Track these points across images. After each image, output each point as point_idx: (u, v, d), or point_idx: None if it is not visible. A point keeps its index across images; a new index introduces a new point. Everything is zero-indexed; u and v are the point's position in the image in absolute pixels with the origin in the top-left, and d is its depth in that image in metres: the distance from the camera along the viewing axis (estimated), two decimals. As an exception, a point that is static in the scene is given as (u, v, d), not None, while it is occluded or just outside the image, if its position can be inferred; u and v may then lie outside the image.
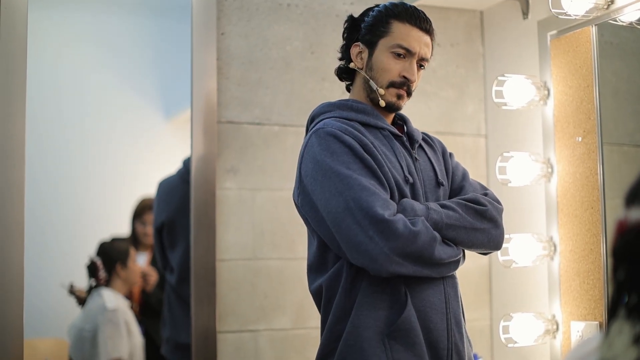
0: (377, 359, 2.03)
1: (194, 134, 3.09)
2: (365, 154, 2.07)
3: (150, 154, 5.34)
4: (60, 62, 5.71)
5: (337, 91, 3.32)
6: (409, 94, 2.23)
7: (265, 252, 3.16)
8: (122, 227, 5.07)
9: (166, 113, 5.84)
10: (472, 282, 3.51)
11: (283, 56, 3.29)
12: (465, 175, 2.34)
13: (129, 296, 4.35)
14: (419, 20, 2.21)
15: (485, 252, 2.26)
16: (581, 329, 2.92)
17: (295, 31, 3.32)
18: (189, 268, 3.26)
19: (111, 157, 5.82)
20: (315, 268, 2.18)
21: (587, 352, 1.18)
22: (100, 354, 3.99)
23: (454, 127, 3.57)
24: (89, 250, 4.39)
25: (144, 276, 4.45)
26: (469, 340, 2.26)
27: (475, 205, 2.15)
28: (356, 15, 2.31)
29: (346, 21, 2.32)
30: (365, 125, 2.18)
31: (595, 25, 2.91)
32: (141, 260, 4.53)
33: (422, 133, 2.35)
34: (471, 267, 3.48)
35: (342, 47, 2.34)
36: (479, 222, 2.14)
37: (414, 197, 2.15)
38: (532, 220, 3.25)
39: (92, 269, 4.32)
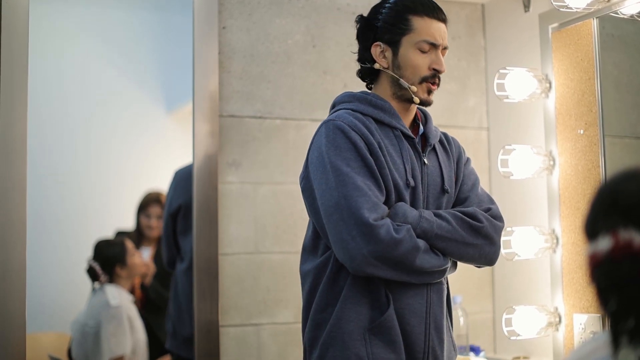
0: (357, 352, 2.07)
1: (195, 127, 3.09)
2: (367, 153, 2.08)
3: (152, 148, 5.34)
4: (61, 57, 5.71)
5: (339, 84, 3.32)
6: (438, 85, 2.24)
7: (267, 246, 3.17)
8: (125, 221, 5.07)
9: (168, 107, 5.84)
10: (474, 275, 3.51)
11: (284, 50, 3.29)
12: (475, 185, 2.31)
13: (131, 291, 4.36)
14: (436, 11, 2.21)
15: (477, 265, 2.26)
16: (584, 322, 2.92)
17: (296, 25, 3.31)
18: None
19: (114, 151, 5.83)
20: (308, 250, 2.22)
21: (587, 352, 1.19)
22: (103, 351, 3.99)
23: (456, 120, 3.57)
24: (92, 245, 4.39)
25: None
26: (453, 346, 2.26)
27: (470, 221, 2.14)
28: (365, 13, 2.30)
29: (358, 22, 2.30)
30: (378, 122, 2.18)
31: (597, 17, 2.91)
32: (145, 254, 4.53)
33: (442, 133, 2.34)
34: (473, 260, 3.49)
35: (360, 48, 2.29)
36: (472, 237, 2.13)
37: (414, 201, 2.15)
38: (534, 213, 3.25)
39: (92, 274, 4.32)
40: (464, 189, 2.29)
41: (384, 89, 2.25)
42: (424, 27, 2.19)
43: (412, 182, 2.13)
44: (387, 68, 2.23)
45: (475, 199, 2.26)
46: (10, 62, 2.76)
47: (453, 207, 2.25)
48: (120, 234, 4.57)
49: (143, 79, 5.91)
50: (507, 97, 3.14)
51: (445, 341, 2.19)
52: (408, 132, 2.21)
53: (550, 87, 3.11)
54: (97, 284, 4.30)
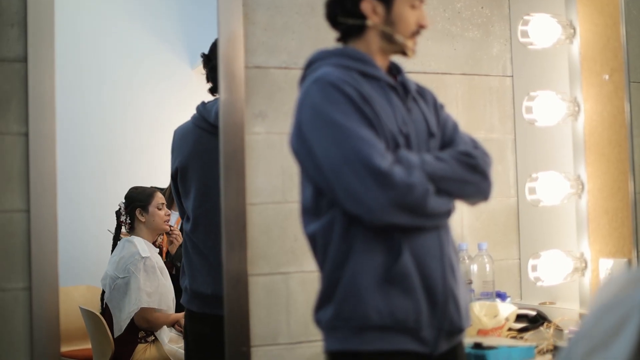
0: (375, 305, 2.07)
1: (221, 80, 3.11)
2: (364, 105, 2.09)
3: (177, 103, 5.37)
4: (86, 13, 5.74)
5: (363, 34, 3.32)
6: None
7: (294, 195, 3.19)
8: (155, 177, 5.11)
9: (192, 61, 5.86)
10: (500, 222, 3.53)
11: (308, 1, 3.29)
12: (455, 127, 2.35)
13: (157, 245, 4.42)
14: None
15: (473, 202, 2.30)
16: (610, 266, 2.94)
17: (319, -25, 3.31)
18: (202, 214, 3.28)
19: (140, 107, 5.87)
20: (309, 211, 2.22)
21: (617, 288, 1.20)
22: (133, 302, 4.06)
23: (480, 68, 3.57)
24: (119, 202, 4.45)
25: (172, 233, 4.50)
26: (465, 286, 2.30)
27: (467, 159, 2.18)
28: None
29: None
30: (362, 74, 2.19)
31: (622, -39, 2.89)
32: (173, 219, 4.57)
33: (415, 83, 2.36)
34: (498, 206, 3.50)
35: (345, 3, 2.26)
36: (470, 174, 2.17)
37: (408, 148, 2.17)
38: (560, 159, 3.26)
39: (117, 214, 4.41)
40: (447, 132, 2.32)
41: (367, 44, 2.25)
42: None
43: (405, 130, 2.16)
44: (378, 24, 2.23)
45: (461, 140, 2.29)
46: (37, 19, 2.79)
47: (440, 150, 2.28)
48: (143, 187, 4.57)
49: (167, 33, 5.93)
50: (531, 44, 3.14)
51: (459, 280, 2.23)
52: (392, 82, 2.23)
53: (574, 33, 3.10)
54: (121, 234, 4.37)
